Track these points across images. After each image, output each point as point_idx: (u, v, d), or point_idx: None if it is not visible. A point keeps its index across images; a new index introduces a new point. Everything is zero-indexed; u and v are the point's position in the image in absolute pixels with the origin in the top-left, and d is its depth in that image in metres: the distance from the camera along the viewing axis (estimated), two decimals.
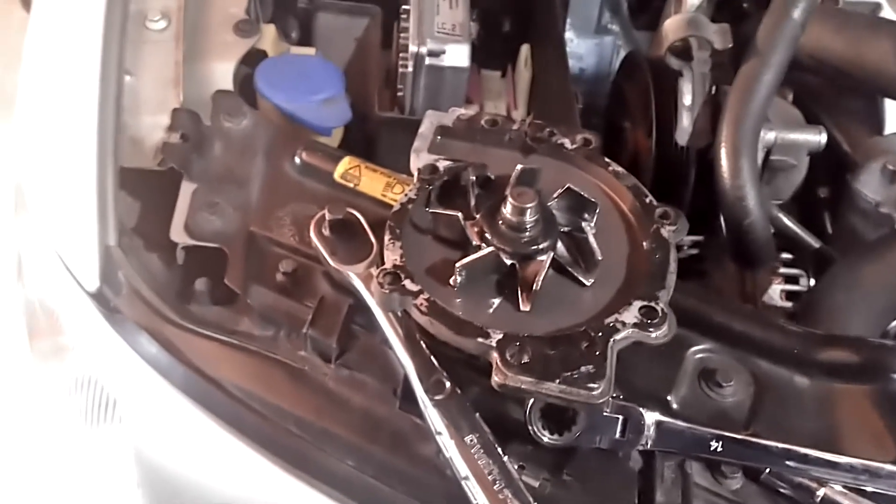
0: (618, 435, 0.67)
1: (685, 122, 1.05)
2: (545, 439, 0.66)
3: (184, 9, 0.93)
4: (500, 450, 0.62)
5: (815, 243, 1.03)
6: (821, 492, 0.68)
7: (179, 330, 0.75)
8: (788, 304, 1.00)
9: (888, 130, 1.13)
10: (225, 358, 0.74)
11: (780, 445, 0.67)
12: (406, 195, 0.72)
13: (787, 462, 0.67)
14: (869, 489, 0.67)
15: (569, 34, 1.43)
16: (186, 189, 0.82)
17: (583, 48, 1.48)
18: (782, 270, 1.02)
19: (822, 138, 1.05)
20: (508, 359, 0.59)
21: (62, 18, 0.88)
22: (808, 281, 1.02)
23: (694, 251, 1.12)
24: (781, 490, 0.69)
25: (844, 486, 0.68)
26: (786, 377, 0.74)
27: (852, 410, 0.71)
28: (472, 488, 0.60)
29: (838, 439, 0.70)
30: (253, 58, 0.97)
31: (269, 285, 0.78)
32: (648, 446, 0.68)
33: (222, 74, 0.94)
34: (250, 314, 0.78)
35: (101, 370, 0.80)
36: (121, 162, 0.81)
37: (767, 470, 0.69)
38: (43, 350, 0.88)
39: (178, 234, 0.80)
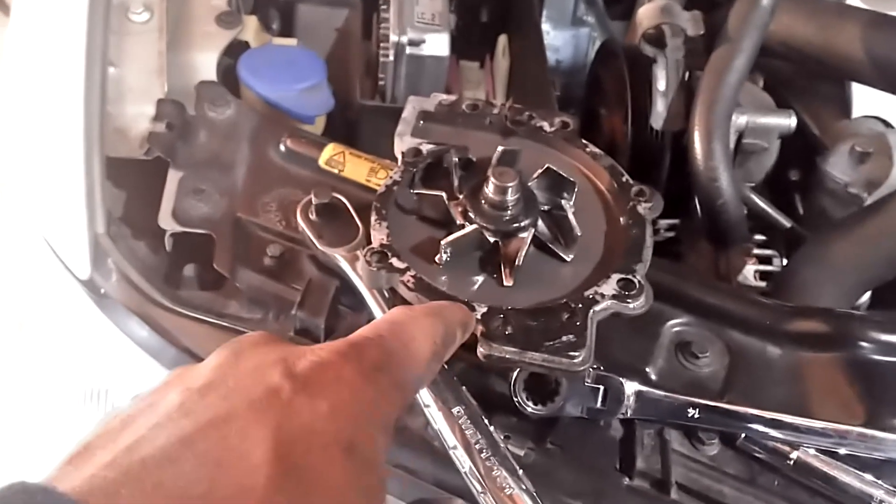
0: (599, 404, 0.70)
1: (660, 106, 1.07)
2: (529, 410, 0.69)
3: (166, 0, 0.94)
4: (486, 421, 0.64)
5: (787, 223, 1.06)
6: (794, 455, 0.70)
7: (169, 313, 0.77)
8: (762, 284, 1.03)
9: (856, 114, 1.16)
10: (215, 339, 0.75)
11: (754, 412, 0.70)
12: (391, 177, 0.73)
13: (761, 427, 0.70)
14: (841, 452, 0.70)
15: (545, 26, 1.45)
16: (173, 177, 0.84)
17: (559, 40, 1.50)
18: (756, 251, 1.05)
19: (793, 122, 1.08)
20: (493, 331, 0.61)
21: (45, 11, 0.88)
22: (781, 261, 1.05)
23: (670, 234, 1.15)
24: (757, 455, 0.72)
25: (817, 450, 0.71)
26: (758, 347, 0.77)
27: (822, 377, 0.74)
28: (461, 457, 0.62)
29: (809, 405, 0.73)
30: (235, 49, 0.99)
31: (257, 269, 0.80)
32: (629, 415, 0.70)
33: (205, 65, 0.95)
34: (239, 297, 0.80)
35: (93, 355, 0.81)
36: (106, 151, 0.82)
37: (743, 436, 0.72)
38: (32, 337, 0.89)
39: (166, 220, 0.82)
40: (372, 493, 0.42)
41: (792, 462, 0.70)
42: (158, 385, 0.45)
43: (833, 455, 0.70)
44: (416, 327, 0.51)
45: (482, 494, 0.60)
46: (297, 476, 0.39)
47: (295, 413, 0.41)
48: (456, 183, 0.73)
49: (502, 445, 0.63)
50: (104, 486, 0.36)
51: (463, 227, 0.68)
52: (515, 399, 0.68)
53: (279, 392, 0.42)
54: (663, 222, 1.13)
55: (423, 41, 1.08)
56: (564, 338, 0.61)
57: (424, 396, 0.65)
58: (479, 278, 0.68)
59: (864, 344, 0.75)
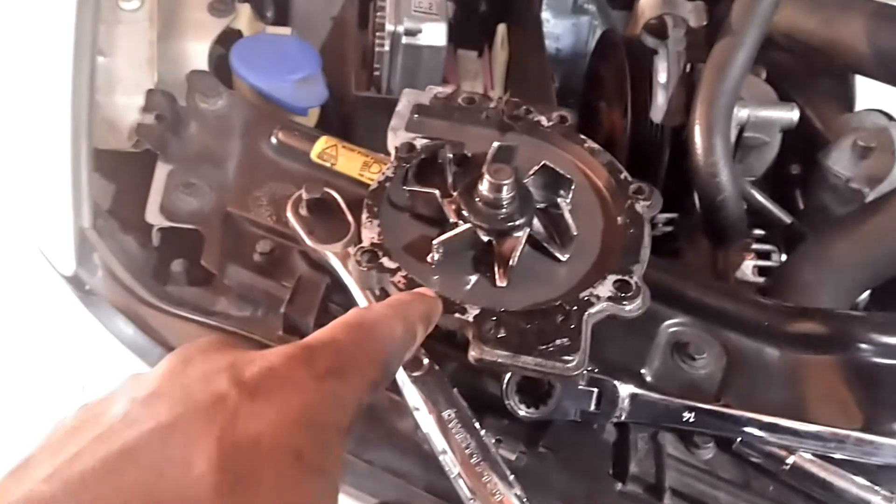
0: (592, 407, 0.68)
1: (660, 99, 1.06)
2: (521, 413, 0.68)
3: None
4: (477, 424, 0.63)
5: (786, 219, 1.05)
6: (790, 459, 0.69)
7: (156, 311, 0.75)
8: (760, 280, 1.02)
9: (858, 107, 1.15)
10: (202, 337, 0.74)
11: (751, 415, 0.69)
12: (383, 173, 0.72)
13: (758, 431, 0.69)
14: (837, 456, 0.69)
15: (545, 14, 1.44)
16: (162, 170, 0.82)
17: (559, 28, 1.48)
18: (755, 246, 1.04)
19: (795, 115, 1.06)
20: (485, 333, 0.60)
21: None
22: (780, 257, 1.04)
23: (668, 229, 1.13)
24: (753, 459, 0.71)
25: (814, 454, 0.69)
26: (756, 349, 0.76)
27: (820, 380, 0.73)
28: (450, 462, 0.61)
29: (807, 408, 0.71)
30: (228, 38, 0.97)
31: (247, 265, 0.78)
32: (623, 418, 0.69)
33: (197, 54, 0.93)
34: (227, 294, 0.78)
35: (78, 354, 0.80)
36: (95, 143, 0.80)
37: (739, 440, 0.70)
38: (16, 334, 0.88)
39: (153, 215, 0.80)
40: (322, 500, 0.41)
41: (788, 467, 0.69)
42: (105, 395, 0.43)
43: (830, 460, 0.69)
44: (373, 329, 0.49)
45: (472, 500, 0.59)
46: (243, 485, 0.38)
47: (241, 421, 0.40)
48: (450, 179, 0.72)
49: (493, 450, 0.62)
50: (41, 501, 0.36)
51: (456, 225, 0.67)
52: (507, 402, 0.67)
53: (225, 399, 0.41)
54: (661, 216, 1.12)
55: (420, 31, 1.06)
56: (558, 341, 0.60)
57: (414, 399, 0.64)
58: (473, 278, 0.67)
59: (863, 346, 0.73)
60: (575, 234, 0.68)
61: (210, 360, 0.44)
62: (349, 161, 0.83)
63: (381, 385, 0.49)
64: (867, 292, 0.96)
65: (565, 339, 0.60)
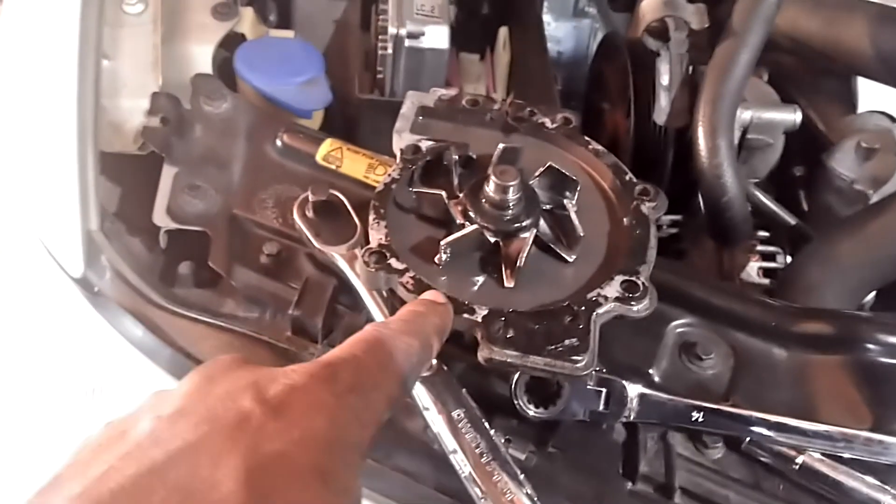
0: (601, 407, 0.68)
1: (663, 101, 1.06)
2: (531, 413, 0.67)
3: None
4: (486, 424, 0.63)
5: (791, 220, 1.05)
6: (799, 459, 0.69)
7: (164, 312, 0.75)
8: (766, 281, 1.02)
9: (861, 109, 1.15)
10: (211, 339, 0.75)
11: (759, 415, 0.69)
12: (389, 175, 0.72)
13: (766, 431, 0.69)
14: (846, 456, 0.69)
15: (547, 17, 1.44)
16: (168, 172, 0.82)
17: (561, 31, 1.48)
18: (760, 248, 1.04)
19: (798, 117, 1.06)
20: (494, 334, 0.60)
21: (38, 2, 0.87)
22: (785, 258, 1.04)
23: (673, 230, 1.13)
24: (762, 458, 0.71)
25: (822, 454, 0.69)
26: (764, 349, 0.76)
27: (828, 380, 0.73)
28: (460, 462, 0.61)
29: (815, 408, 0.71)
30: (232, 41, 0.97)
31: (254, 267, 0.78)
32: (632, 418, 0.69)
33: (201, 57, 0.93)
34: (235, 296, 0.78)
35: (87, 355, 0.80)
36: (101, 146, 0.80)
37: (748, 439, 0.70)
38: (26, 336, 0.88)
39: (160, 217, 0.80)
40: None
41: (798, 466, 0.69)
42: (130, 412, 0.44)
43: (839, 459, 0.69)
44: (391, 347, 0.50)
45: (482, 500, 0.59)
46: (270, 503, 0.38)
47: (266, 439, 0.40)
48: (456, 181, 0.72)
49: (503, 449, 0.62)
50: None
51: (463, 226, 0.67)
52: (516, 402, 0.67)
53: (250, 418, 0.41)
54: (666, 218, 1.12)
55: (423, 33, 1.06)
56: (567, 341, 0.60)
57: (424, 399, 0.64)
58: (480, 279, 0.67)
59: (871, 346, 0.74)
60: (581, 235, 0.68)
61: (233, 378, 0.45)
62: (354, 163, 0.83)
63: (400, 400, 0.49)
64: (873, 293, 0.96)
65: (574, 340, 0.60)
